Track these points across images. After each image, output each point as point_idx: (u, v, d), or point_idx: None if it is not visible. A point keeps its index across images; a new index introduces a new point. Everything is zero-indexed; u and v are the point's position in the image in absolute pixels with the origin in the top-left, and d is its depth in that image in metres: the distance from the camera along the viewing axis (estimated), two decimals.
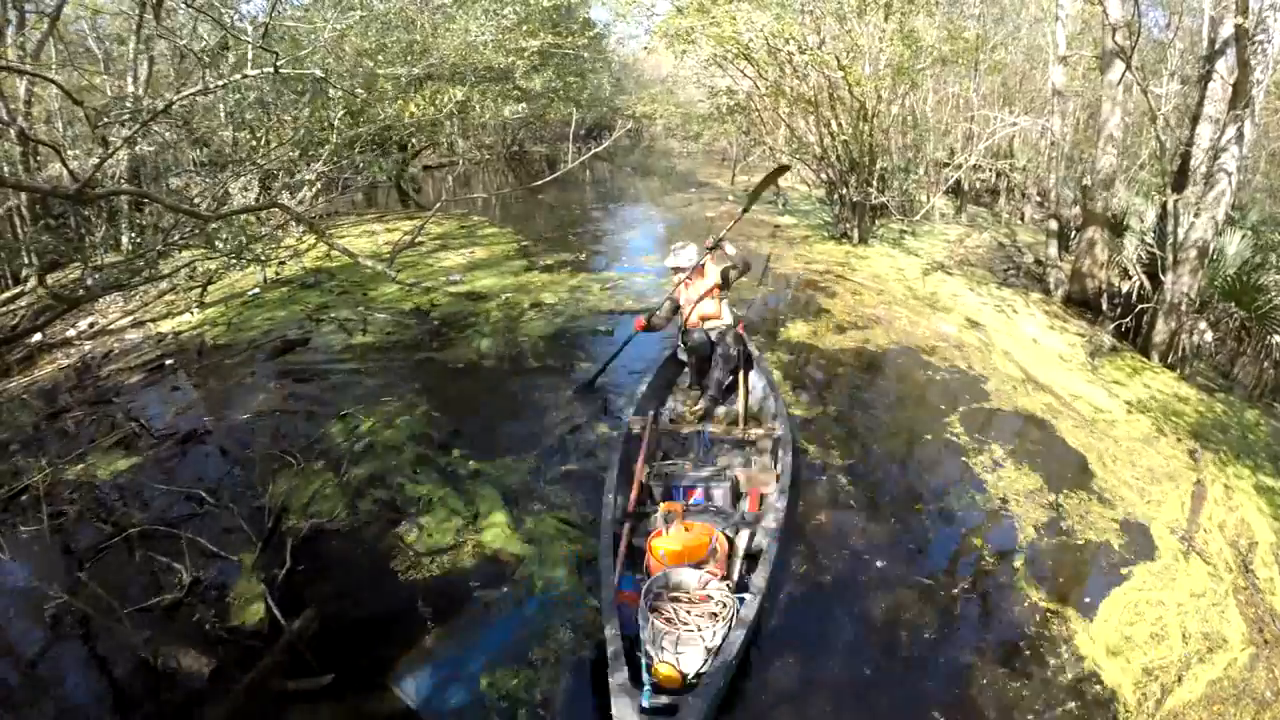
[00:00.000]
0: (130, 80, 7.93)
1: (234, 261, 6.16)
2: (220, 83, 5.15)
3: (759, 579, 2.83)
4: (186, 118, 6.86)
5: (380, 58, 8.58)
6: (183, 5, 6.25)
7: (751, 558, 3.14)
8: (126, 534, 3.46)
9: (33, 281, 6.96)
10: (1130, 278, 7.50)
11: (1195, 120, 6.76)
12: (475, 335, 6.10)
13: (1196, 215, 6.30)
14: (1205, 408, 5.75)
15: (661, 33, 10.40)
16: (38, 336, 6.13)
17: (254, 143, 7.82)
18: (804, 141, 10.48)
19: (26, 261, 7.30)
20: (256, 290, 7.31)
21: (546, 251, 9.36)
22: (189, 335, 6.24)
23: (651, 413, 4.12)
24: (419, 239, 9.21)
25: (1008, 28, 14.82)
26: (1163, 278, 6.59)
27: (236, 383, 5.27)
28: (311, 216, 7.76)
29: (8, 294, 6.65)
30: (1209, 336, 6.69)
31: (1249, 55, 5.70)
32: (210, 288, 7.19)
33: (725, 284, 4.71)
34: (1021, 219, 13.31)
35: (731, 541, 3.18)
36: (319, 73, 5.78)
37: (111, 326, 6.56)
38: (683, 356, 4.86)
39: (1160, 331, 6.55)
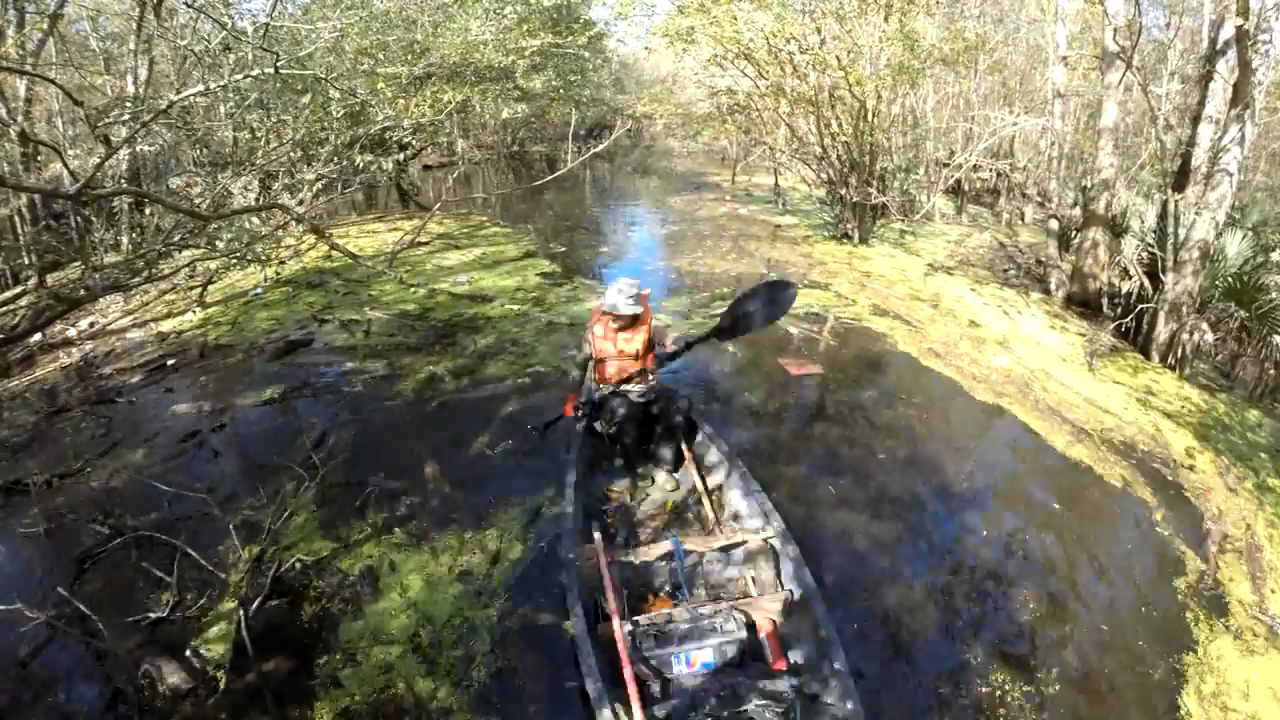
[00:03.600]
0: (130, 80, 7.92)
1: (234, 261, 6.15)
2: (221, 83, 5.15)
3: None
4: (187, 118, 6.85)
5: (381, 57, 8.57)
6: (183, 5, 6.24)
7: None
8: (121, 539, 3.43)
9: (33, 281, 6.96)
10: (1131, 278, 7.50)
11: (1196, 120, 6.76)
12: (478, 340, 6.09)
13: (1197, 215, 6.30)
14: (1207, 407, 5.75)
15: (662, 32, 10.40)
16: (38, 336, 6.12)
17: (254, 143, 7.81)
18: (804, 141, 10.49)
19: (26, 261, 7.29)
20: (258, 290, 7.31)
21: (547, 252, 9.36)
22: (190, 335, 6.24)
23: (597, 533, 3.03)
24: (421, 239, 9.21)
25: (1008, 27, 14.84)
26: (1163, 278, 6.59)
27: (238, 383, 5.27)
28: (312, 216, 7.76)
29: (8, 294, 6.64)
30: (1209, 336, 6.68)
31: (1250, 55, 5.69)
32: (211, 288, 7.18)
33: (655, 342, 3.83)
34: (1022, 219, 13.32)
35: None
36: (319, 73, 5.78)
37: (112, 326, 6.56)
38: (603, 428, 3.75)
39: (1161, 331, 6.55)
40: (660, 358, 3.82)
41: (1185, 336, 6.44)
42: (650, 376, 3.81)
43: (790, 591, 2.81)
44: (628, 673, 2.32)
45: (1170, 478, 4.53)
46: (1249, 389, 6.66)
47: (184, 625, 2.96)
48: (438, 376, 5.25)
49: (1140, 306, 6.91)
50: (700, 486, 3.57)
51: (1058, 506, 4.07)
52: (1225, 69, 6.31)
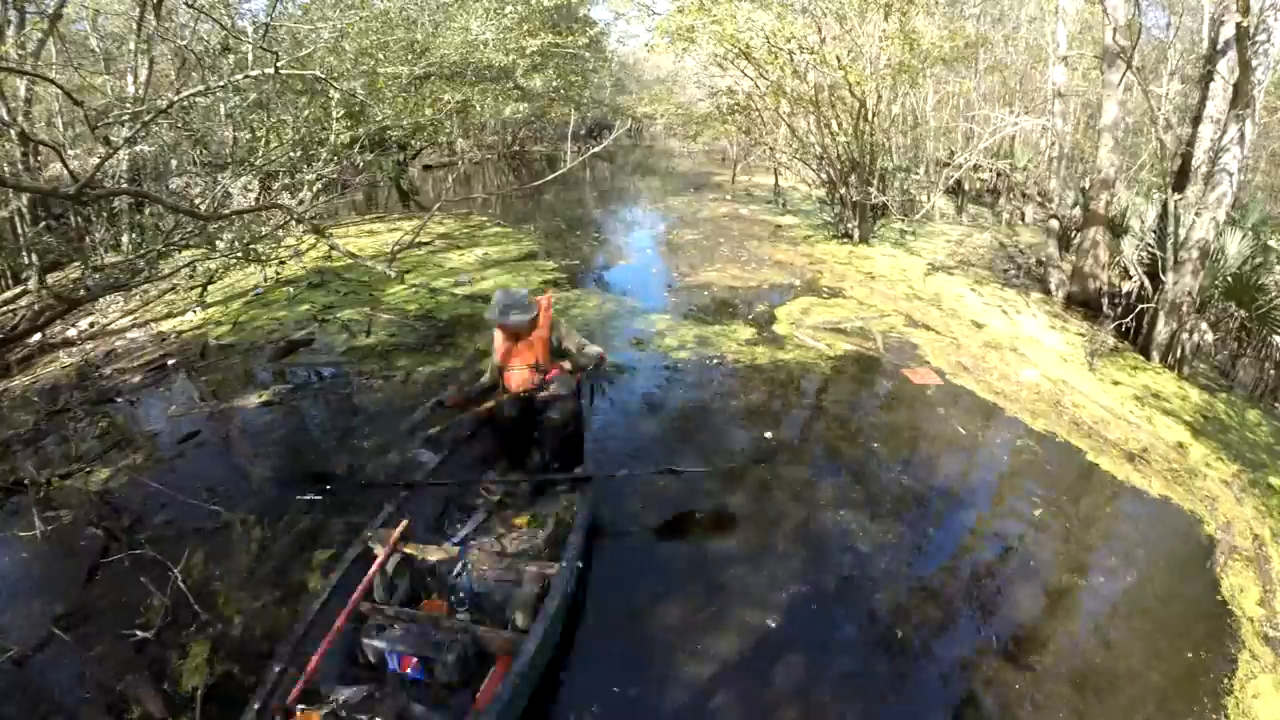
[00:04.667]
0: (130, 80, 7.93)
1: (234, 262, 6.16)
2: (221, 83, 5.15)
3: None
4: (187, 118, 6.85)
5: (381, 57, 8.57)
6: (183, 5, 6.24)
7: None
8: (118, 556, 3.39)
9: (33, 281, 6.95)
10: (1131, 278, 7.49)
11: (1196, 120, 6.75)
12: (478, 340, 6.09)
13: (1197, 215, 6.29)
14: (1207, 407, 5.74)
15: (662, 31, 10.40)
16: (38, 336, 6.12)
17: (254, 143, 7.81)
18: (804, 141, 10.49)
19: (27, 261, 7.29)
20: (259, 290, 7.31)
21: (548, 252, 9.36)
22: (191, 335, 6.24)
23: (405, 520, 3.05)
24: (421, 239, 9.22)
25: (1007, 27, 14.84)
26: (1163, 278, 6.58)
27: (238, 383, 5.27)
28: (312, 216, 7.75)
29: (8, 294, 6.64)
30: (1209, 336, 6.67)
31: (1250, 55, 5.69)
32: (211, 287, 7.18)
33: (558, 353, 3.72)
34: (1022, 219, 13.31)
35: None
36: (319, 73, 5.78)
37: (112, 326, 6.56)
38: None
39: (1161, 332, 6.54)
40: (577, 366, 3.68)
41: (1185, 336, 6.43)
42: (552, 385, 3.66)
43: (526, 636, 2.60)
44: (316, 651, 2.43)
45: (1171, 478, 4.53)
46: (1249, 389, 6.65)
47: (168, 650, 2.86)
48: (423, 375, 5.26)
49: (1140, 306, 6.90)
50: (526, 502, 3.58)
51: (1058, 508, 4.07)
52: (1225, 69, 6.30)
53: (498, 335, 3.74)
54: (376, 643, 2.61)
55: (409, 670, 2.57)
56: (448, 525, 3.44)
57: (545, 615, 2.61)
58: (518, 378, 3.70)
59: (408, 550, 2.99)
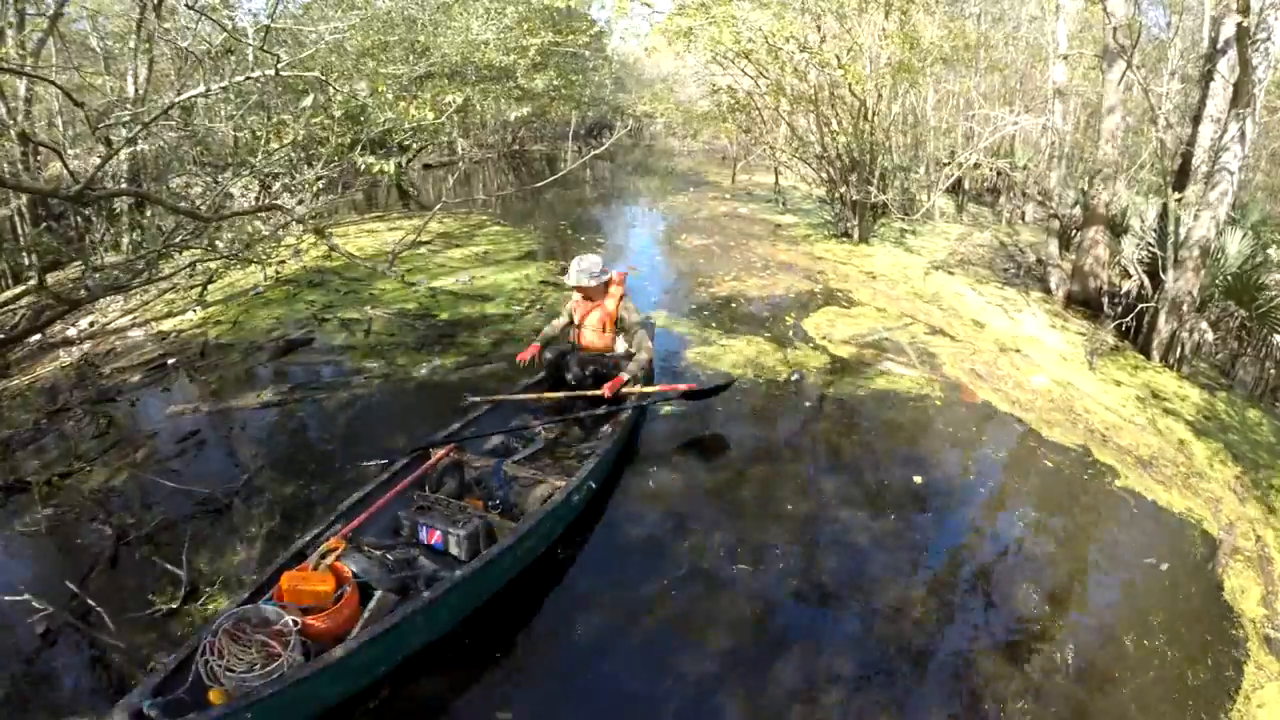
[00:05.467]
0: (130, 81, 7.93)
1: (234, 262, 6.15)
2: (221, 84, 5.15)
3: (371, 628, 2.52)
4: (187, 118, 6.86)
5: (383, 57, 8.57)
6: (183, 5, 6.24)
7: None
8: (129, 537, 3.46)
9: (33, 281, 6.96)
10: (1131, 277, 7.48)
11: (1196, 120, 6.75)
12: (478, 339, 6.09)
13: (1197, 215, 6.29)
14: (1207, 407, 5.74)
15: (661, 31, 10.40)
16: (38, 336, 6.12)
17: (254, 143, 7.81)
18: (804, 140, 10.48)
19: (27, 261, 7.30)
20: (259, 289, 7.31)
21: (548, 252, 9.36)
22: (191, 334, 6.24)
23: (469, 431, 3.88)
24: (421, 239, 9.22)
25: (1007, 26, 14.82)
26: (1163, 277, 6.58)
27: (238, 383, 5.27)
28: (312, 217, 7.76)
29: (8, 294, 6.64)
30: (1209, 336, 6.67)
31: (1250, 54, 5.68)
32: (211, 287, 7.19)
33: (621, 327, 4.36)
34: (1022, 218, 13.30)
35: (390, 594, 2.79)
36: (320, 74, 5.78)
37: (112, 326, 6.56)
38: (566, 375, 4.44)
39: (1161, 331, 6.54)
40: (631, 352, 4.26)
41: (1185, 336, 6.43)
42: (609, 356, 4.31)
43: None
44: (375, 503, 3.23)
45: (1175, 480, 4.53)
46: (1249, 389, 6.65)
47: (191, 619, 2.97)
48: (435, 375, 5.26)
49: (1140, 306, 6.90)
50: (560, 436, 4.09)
51: (1058, 509, 4.07)
52: (1225, 68, 6.30)
53: (575, 295, 4.42)
54: (414, 519, 3.22)
55: (434, 541, 3.15)
56: (499, 442, 4.01)
57: (543, 512, 3.18)
58: (588, 336, 4.37)
59: (456, 457, 3.67)
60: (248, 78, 4.99)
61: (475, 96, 9.93)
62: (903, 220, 11.02)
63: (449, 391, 4.99)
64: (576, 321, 4.41)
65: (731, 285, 7.79)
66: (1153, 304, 6.71)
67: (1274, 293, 6.50)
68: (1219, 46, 6.43)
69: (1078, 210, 9.18)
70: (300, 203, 7.40)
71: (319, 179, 7.52)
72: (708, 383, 4.65)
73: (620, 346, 4.36)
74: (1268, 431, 5.54)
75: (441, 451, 3.63)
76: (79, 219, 7.61)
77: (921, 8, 9.42)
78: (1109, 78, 7.84)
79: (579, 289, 4.34)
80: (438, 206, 9.57)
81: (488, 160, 20.55)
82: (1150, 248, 7.05)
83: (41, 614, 2.94)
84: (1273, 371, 6.71)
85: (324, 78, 5.79)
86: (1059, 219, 9.13)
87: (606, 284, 4.34)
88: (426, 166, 18.23)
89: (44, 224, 7.73)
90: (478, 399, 4.31)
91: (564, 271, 4.16)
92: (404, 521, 3.27)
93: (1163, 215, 6.85)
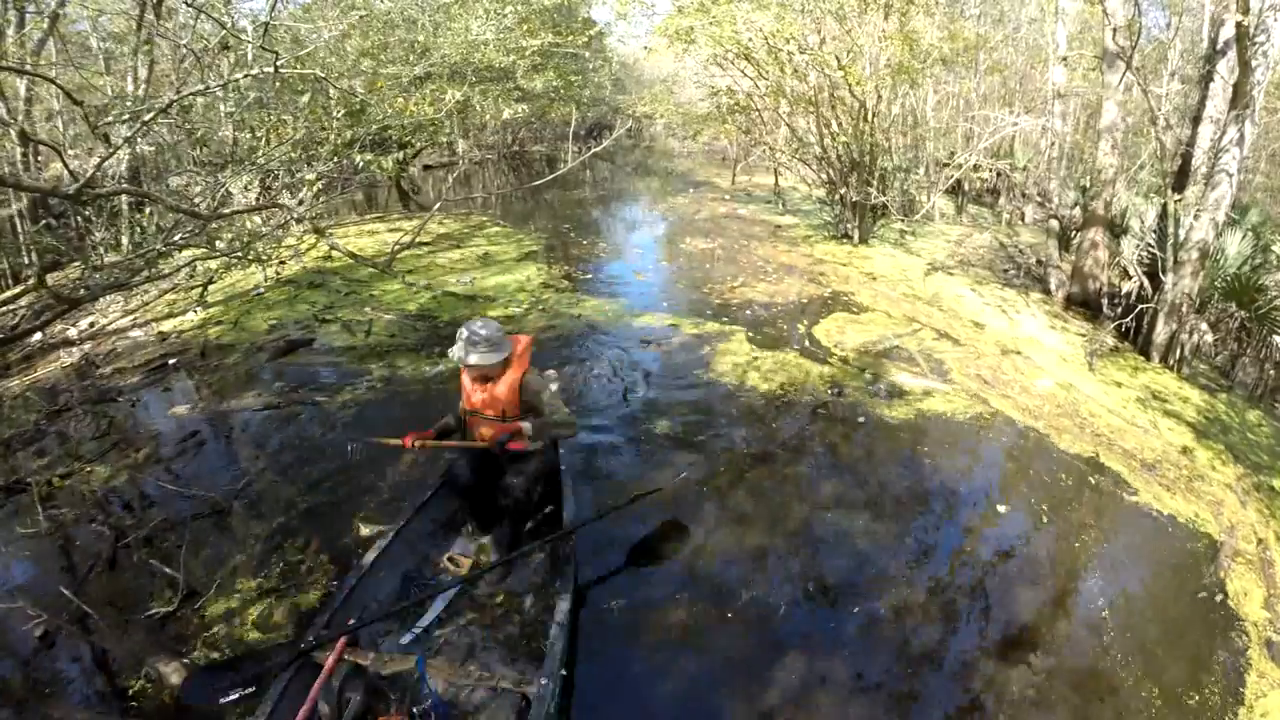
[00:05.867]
0: (130, 80, 7.92)
1: (234, 261, 6.14)
2: (220, 82, 5.15)
3: None
4: (187, 117, 6.85)
5: (382, 57, 8.57)
6: (183, 5, 6.23)
7: None
8: (127, 539, 3.45)
9: (33, 281, 6.95)
10: (1131, 278, 7.49)
11: (1196, 120, 6.76)
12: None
13: (1197, 216, 6.29)
14: (1208, 408, 5.74)
15: (662, 32, 10.41)
16: (38, 336, 6.11)
17: (254, 142, 7.81)
18: (804, 141, 10.49)
19: (26, 261, 7.29)
20: (259, 290, 7.31)
21: (548, 252, 9.36)
22: (191, 334, 6.24)
23: (354, 619, 2.61)
24: (421, 239, 9.22)
25: (1007, 27, 14.84)
26: (1163, 278, 6.58)
27: (238, 383, 5.26)
28: (312, 216, 7.74)
29: (8, 294, 6.63)
30: (1209, 337, 6.68)
31: (1250, 55, 5.69)
32: (211, 287, 7.18)
33: (529, 406, 3.17)
34: (1022, 219, 13.31)
35: None
36: (319, 73, 5.77)
37: (112, 326, 6.55)
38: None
39: (1161, 332, 6.54)
40: (542, 428, 3.08)
41: (1185, 337, 6.44)
42: (519, 438, 3.06)
43: None
44: None
45: (1177, 483, 4.53)
46: (1249, 389, 6.65)
47: (188, 622, 2.97)
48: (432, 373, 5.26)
49: (1140, 306, 6.91)
50: (489, 588, 2.99)
51: (1058, 509, 4.07)
52: (1225, 69, 6.30)
53: (465, 377, 3.18)
54: None
55: None
56: (407, 615, 2.82)
57: None
58: (481, 425, 3.16)
59: (356, 659, 2.47)
60: (247, 74, 4.99)
61: (475, 97, 9.91)
62: (902, 221, 11.03)
63: (449, 394, 4.99)
64: (473, 406, 3.18)
65: (741, 291, 7.73)
66: (1152, 305, 6.71)
67: (1274, 294, 6.50)
68: (1218, 48, 6.44)
69: (1077, 211, 9.19)
70: (300, 202, 7.39)
71: (319, 178, 7.51)
72: (634, 490, 3.61)
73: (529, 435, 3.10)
74: (1268, 433, 5.54)
75: (331, 656, 2.42)
76: (79, 219, 7.59)
77: (921, 9, 9.43)
78: (1108, 79, 7.85)
79: (467, 370, 3.11)
80: (436, 206, 9.57)
81: (488, 161, 20.55)
82: (1150, 249, 7.06)
83: (36, 620, 2.93)
84: (1272, 373, 6.71)
85: (324, 76, 5.78)
86: (1058, 220, 9.14)
87: (507, 359, 3.11)
88: (426, 167, 18.22)
89: (44, 224, 7.72)
90: (368, 532, 3.36)
91: (454, 344, 3.07)
92: None
93: (1162, 216, 6.86)
